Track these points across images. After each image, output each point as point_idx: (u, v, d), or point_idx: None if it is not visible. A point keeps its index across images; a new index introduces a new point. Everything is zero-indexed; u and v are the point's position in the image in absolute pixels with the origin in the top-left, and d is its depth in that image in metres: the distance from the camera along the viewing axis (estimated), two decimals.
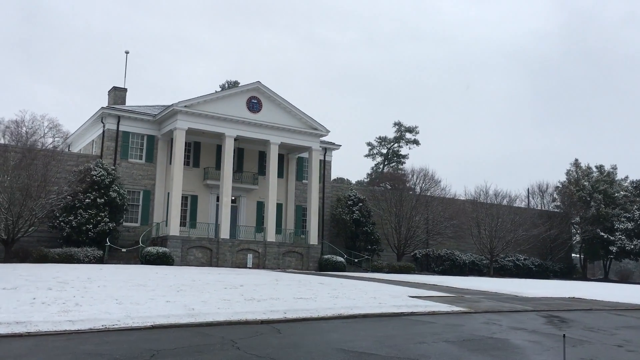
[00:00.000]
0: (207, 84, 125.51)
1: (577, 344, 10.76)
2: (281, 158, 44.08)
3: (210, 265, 36.03)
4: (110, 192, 34.29)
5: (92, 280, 17.99)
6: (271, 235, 38.87)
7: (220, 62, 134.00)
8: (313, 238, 40.53)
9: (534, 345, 10.47)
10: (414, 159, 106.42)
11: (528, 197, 60.72)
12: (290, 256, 39.44)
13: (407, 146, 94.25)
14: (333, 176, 49.75)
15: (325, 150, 46.11)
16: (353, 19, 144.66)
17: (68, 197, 33.79)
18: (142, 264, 32.72)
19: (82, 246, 32.78)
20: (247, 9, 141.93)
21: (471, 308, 16.28)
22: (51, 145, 57.34)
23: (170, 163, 39.19)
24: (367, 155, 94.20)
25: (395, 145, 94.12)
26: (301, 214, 44.23)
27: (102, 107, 37.51)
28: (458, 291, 22.26)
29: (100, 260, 32.04)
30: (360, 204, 43.92)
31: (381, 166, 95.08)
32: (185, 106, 36.56)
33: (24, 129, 66.11)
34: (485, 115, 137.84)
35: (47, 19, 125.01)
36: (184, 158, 39.90)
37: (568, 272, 56.43)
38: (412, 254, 49.23)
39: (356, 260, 41.93)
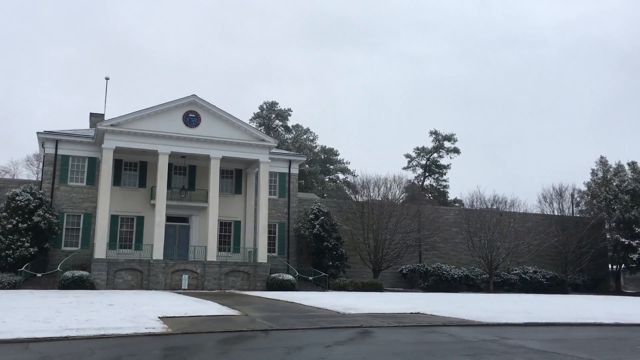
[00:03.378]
0: (308, 108, 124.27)
1: None
2: (239, 173, 42.27)
3: (141, 288, 34.58)
4: (34, 217, 33.92)
5: None
6: (212, 255, 36.79)
7: (313, 86, 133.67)
8: (262, 256, 37.97)
9: None
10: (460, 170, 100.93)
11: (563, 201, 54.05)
12: (235, 276, 37.13)
13: (448, 155, 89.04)
14: None
15: (290, 162, 43.68)
16: (443, 31, 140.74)
17: None
18: (59, 288, 31.87)
19: (2, 272, 32.54)
20: (330, 32, 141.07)
21: (179, 330, 13.47)
22: None
23: (114, 185, 38.61)
24: (405, 168, 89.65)
25: (435, 155, 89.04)
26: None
27: (38, 132, 37.54)
28: (279, 309, 19.15)
29: (14, 286, 31.49)
30: (322, 218, 40.81)
31: (422, 178, 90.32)
32: (111, 125, 35.71)
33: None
34: (582, 121, 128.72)
35: (142, 58, 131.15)
36: (136, 178, 39.52)
37: (594, 286, 49.52)
38: (399, 269, 45.33)
39: (310, 278, 38.80)
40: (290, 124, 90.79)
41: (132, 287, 34.51)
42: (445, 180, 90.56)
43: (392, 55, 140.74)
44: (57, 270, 33.37)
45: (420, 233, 41.63)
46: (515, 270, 46.46)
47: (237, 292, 33.90)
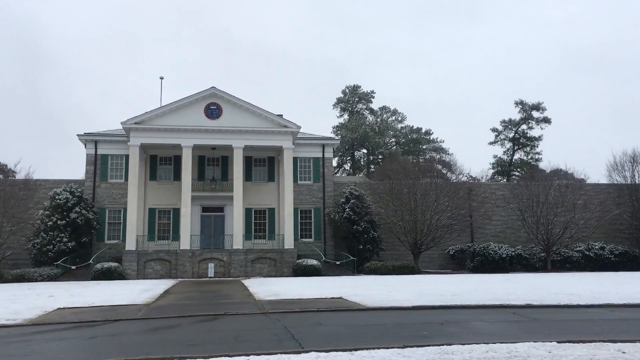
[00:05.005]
0: (422, 88, 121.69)
1: None
2: (271, 161, 42.56)
3: (170, 277, 36.11)
4: (71, 214, 36.56)
5: None
6: (237, 243, 37.45)
7: (436, 64, 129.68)
8: (288, 242, 38.04)
9: None
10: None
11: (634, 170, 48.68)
12: (262, 263, 37.56)
13: (539, 126, 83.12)
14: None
15: (323, 146, 43.19)
16: None
17: (37, 221, 37.12)
18: (91, 279, 34.17)
19: (44, 266, 35.52)
20: (444, 6, 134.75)
21: (34, 322, 13.98)
22: None
23: (150, 179, 40.67)
24: (491, 143, 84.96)
25: (524, 127, 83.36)
26: (300, 217, 41.88)
27: (78, 134, 40.26)
28: (207, 297, 19.14)
29: (53, 279, 34.26)
30: (353, 201, 39.90)
31: (510, 152, 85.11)
32: (135, 123, 37.42)
33: None
34: None
35: (255, 53, 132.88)
36: (171, 172, 41.24)
37: None
38: (446, 250, 43.30)
39: (338, 262, 38.22)
40: (375, 106, 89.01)
41: (161, 277, 36.13)
42: (538, 153, 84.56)
43: (515, 23, 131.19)
44: (90, 262, 35.76)
45: (455, 212, 39.21)
46: (579, 246, 42.47)
47: (260, 279, 34.19)
